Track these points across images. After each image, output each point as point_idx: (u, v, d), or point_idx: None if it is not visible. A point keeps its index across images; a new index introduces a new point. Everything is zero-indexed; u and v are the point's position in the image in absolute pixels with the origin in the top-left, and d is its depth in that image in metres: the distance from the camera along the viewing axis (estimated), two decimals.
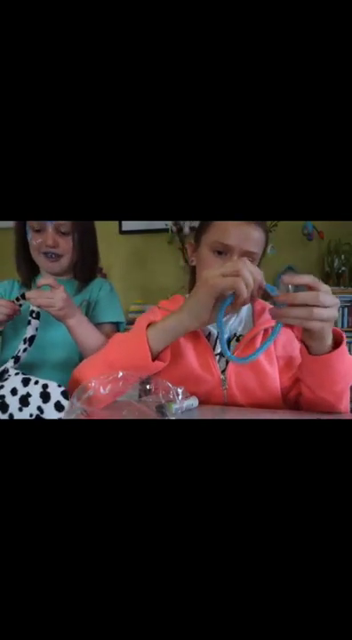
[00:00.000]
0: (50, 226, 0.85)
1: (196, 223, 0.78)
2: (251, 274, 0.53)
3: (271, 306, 0.78)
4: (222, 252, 0.68)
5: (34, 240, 0.87)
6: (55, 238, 0.85)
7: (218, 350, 0.73)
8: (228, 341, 0.74)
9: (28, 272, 0.93)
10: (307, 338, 0.57)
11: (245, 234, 0.66)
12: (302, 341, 0.60)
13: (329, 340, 0.56)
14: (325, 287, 0.52)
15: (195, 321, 0.60)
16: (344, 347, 0.57)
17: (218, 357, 0.72)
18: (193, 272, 0.78)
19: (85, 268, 0.94)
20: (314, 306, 0.51)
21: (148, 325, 0.62)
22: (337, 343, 0.58)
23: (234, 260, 0.55)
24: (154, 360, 0.59)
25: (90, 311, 0.93)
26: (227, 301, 0.56)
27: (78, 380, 0.63)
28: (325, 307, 0.51)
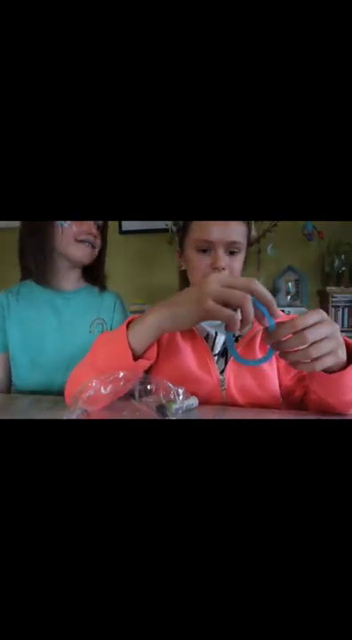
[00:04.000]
0: None
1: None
2: (264, 295, 0.49)
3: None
4: (207, 249, 0.69)
5: (74, 227, 0.84)
6: (94, 229, 0.87)
7: (216, 351, 0.73)
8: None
9: (50, 268, 0.89)
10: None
11: (225, 226, 0.67)
12: None
13: (343, 357, 0.53)
14: (312, 318, 0.48)
15: (175, 325, 0.56)
16: None
17: (216, 358, 0.72)
18: (184, 277, 0.78)
19: (102, 268, 0.94)
20: (310, 346, 0.47)
21: (129, 323, 0.59)
22: (349, 356, 0.55)
23: (246, 279, 0.50)
24: (137, 359, 0.57)
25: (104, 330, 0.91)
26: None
27: (71, 386, 0.63)
28: (321, 339, 0.48)
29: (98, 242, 0.89)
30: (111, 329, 0.91)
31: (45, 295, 0.90)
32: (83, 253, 0.87)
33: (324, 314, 0.50)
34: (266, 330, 0.50)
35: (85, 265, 0.90)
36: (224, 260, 0.68)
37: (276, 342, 0.49)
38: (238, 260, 0.70)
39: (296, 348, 0.49)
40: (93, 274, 0.94)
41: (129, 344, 0.56)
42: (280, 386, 0.72)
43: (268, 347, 0.58)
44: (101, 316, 0.91)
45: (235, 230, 0.68)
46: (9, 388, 0.91)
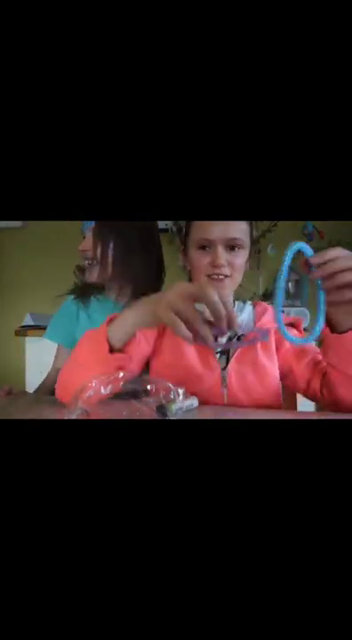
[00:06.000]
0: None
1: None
2: (220, 304, 0.49)
3: (270, 307, 0.79)
4: (207, 247, 0.70)
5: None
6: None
7: (218, 348, 0.73)
8: (229, 341, 0.74)
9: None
10: (338, 311, 0.54)
11: (224, 224, 0.69)
12: (328, 321, 0.58)
13: None
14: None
15: (147, 326, 0.59)
16: None
17: (218, 355, 0.72)
18: (189, 276, 0.79)
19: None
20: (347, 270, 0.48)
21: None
22: None
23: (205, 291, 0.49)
24: (113, 352, 0.59)
25: None
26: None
27: (61, 386, 0.65)
28: None
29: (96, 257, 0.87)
30: None
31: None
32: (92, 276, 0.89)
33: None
34: (308, 264, 0.50)
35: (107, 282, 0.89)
36: (224, 256, 0.69)
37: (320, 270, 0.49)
38: (240, 257, 0.71)
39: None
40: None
41: (107, 339, 0.58)
42: (296, 377, 0.72)
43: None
44: None
45: (235, 227, 0.69)
46: None
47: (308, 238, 2.17)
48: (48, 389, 0.91)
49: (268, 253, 2.11)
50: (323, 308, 0.51)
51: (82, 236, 0.86)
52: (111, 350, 0.58)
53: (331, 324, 0.58)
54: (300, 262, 0.51)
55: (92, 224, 0.85)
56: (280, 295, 0.50)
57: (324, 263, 0.48)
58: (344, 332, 0.56)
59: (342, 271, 0.48)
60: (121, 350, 0.60)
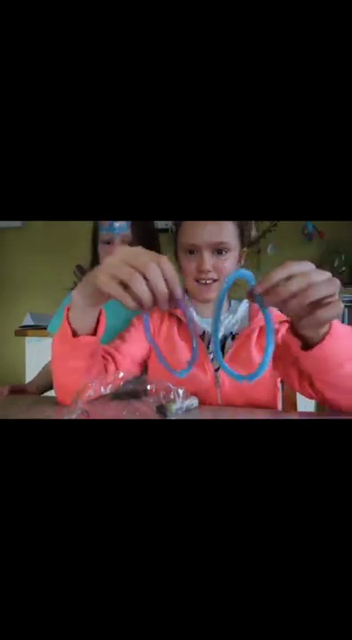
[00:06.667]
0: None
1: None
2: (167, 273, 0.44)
3: None
4: (194, 251, 0.70)
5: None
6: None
7: (212, 349, 0.73)
8: (224, 340, 0.74)
9: None
10: (309, 325, 0.48)
11: (210, 228, 0.68)
12: (295, 334, 0.53)
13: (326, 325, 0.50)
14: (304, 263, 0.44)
15: (90, 300, 0.54)
16: (334, 329, 0.50)
17: (212, 356, 0.72)
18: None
19: None
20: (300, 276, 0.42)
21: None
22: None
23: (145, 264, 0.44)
24: (76, 336, 0.58)
25: None
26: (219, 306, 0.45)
27: (56, 388, 0.66)
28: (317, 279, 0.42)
29: None
30: None
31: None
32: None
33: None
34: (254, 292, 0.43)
35: None
36: (210, 261, 0.69)
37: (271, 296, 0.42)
38: (227, 260, 0.71)
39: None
40: None
41: (69, 323, 0.57)
42: (290, 377, 0.67)
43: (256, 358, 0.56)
44: None
45: (221, 231, 0.69)
46: None
47: (308, 238, 2.17)
48: (45, 376, 0.91)
49: (267, 253, 2.11)
50: (271, 338, 0.41)
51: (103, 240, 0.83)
52: (75, 334, 0.57)
53: (302, 339, 0.53)
54: (246, 293, 0.44)
55: (125, 230, 0.81)
56: (217, 330, 0.45)
57: (272, 287, 0.41)
58: (314, 345, 0.51)
59: (302, 290, 0.42)
60: (85, 333, 0.58)
